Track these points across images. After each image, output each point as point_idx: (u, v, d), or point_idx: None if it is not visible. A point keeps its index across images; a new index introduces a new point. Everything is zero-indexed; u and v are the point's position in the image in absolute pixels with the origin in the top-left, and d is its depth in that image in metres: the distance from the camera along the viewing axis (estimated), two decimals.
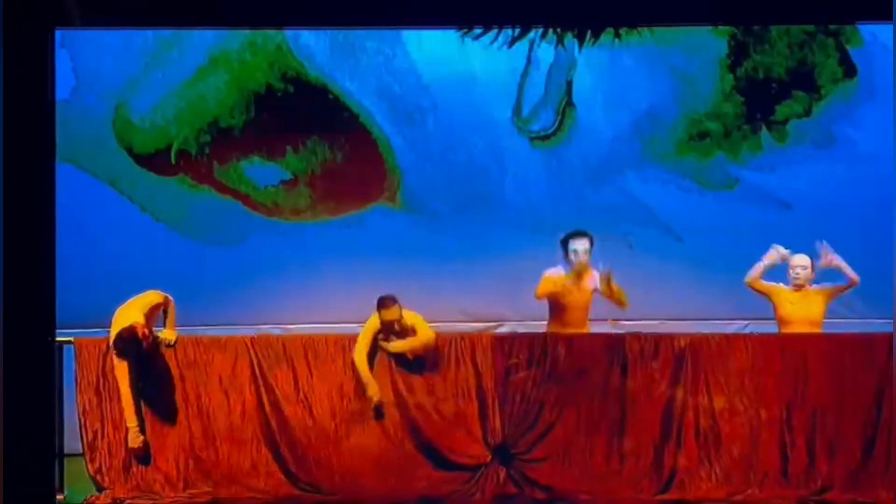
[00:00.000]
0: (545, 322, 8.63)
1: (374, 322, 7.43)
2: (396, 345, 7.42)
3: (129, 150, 9.34)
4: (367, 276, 9.18)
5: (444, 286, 8.66)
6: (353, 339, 7.51)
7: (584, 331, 7.78)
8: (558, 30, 9.28)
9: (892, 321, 7.57)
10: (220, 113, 9.35)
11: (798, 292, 7.85)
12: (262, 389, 7.43)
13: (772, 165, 9.36)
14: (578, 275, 7.81)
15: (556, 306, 7.85)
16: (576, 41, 9.34)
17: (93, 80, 9.27)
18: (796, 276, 7.84)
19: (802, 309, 7.81)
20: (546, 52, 9.36)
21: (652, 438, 7.42)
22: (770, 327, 8.90)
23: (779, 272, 7.98)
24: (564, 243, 7.89)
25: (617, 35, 9.31)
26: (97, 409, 7.41)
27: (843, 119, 9.33)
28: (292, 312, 9.16)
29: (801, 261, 7.86)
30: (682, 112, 9.35)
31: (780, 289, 7.90)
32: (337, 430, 7.41)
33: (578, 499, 7.39)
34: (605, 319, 9.06)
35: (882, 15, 7.61)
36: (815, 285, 7.90)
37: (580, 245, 7.84)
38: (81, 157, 9.26)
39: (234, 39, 9.32)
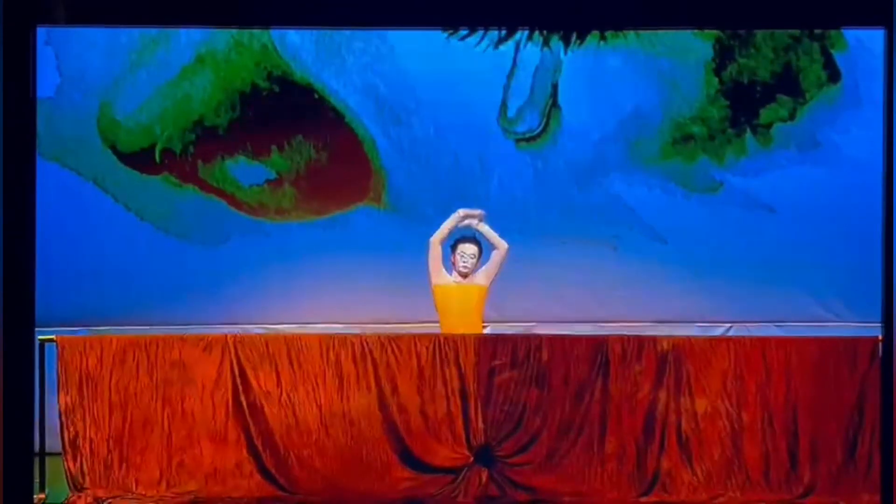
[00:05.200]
0: (530, 323, 8.65)
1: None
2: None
3: (114, 149, 9.32)
4: (351, 276, 9.19)
5: (428, 287, 8.65)
6: (337, 339, 7.51)
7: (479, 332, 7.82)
8: (544, 32, 9.29)
9: (873, 325, 7.60)
10: (206, 112, 9.34)
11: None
12: (245, 389, 7.42)
13: (756, 169, 9.38)
14: (463, 277, 7.87)
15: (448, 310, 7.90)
16: (561, 43, 9.35)
17: (78, 77, 9.25)
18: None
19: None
20: (532, 53, 9.37)
21: (635, 440, 7.42)
22: (754, 330, 8.94)
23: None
24: (453, 248, 7.93)
25: (602, 38, 9.33)
26: (79, 407, 7.38)
27: (827, 123, 9.36)
28: (276, 312, 9.16)
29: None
30: (667, 115, 9.37)
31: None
32: (319, 431, 7.40)
33: (561, 500, 7.38)
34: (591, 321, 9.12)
35: (870, 21, 7.61)
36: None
37: (468, 249, 7.88)
38: (66, 155, 9.24)
39: (219, 39, 9.31)
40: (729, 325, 9.26)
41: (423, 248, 8.82)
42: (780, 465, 7.42)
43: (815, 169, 9.37)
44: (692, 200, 9.41)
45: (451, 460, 7.42)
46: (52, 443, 7.42)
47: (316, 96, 9.38)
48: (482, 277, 7.90)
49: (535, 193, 9.42)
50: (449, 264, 7.95)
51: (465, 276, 7.86)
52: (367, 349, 7.44)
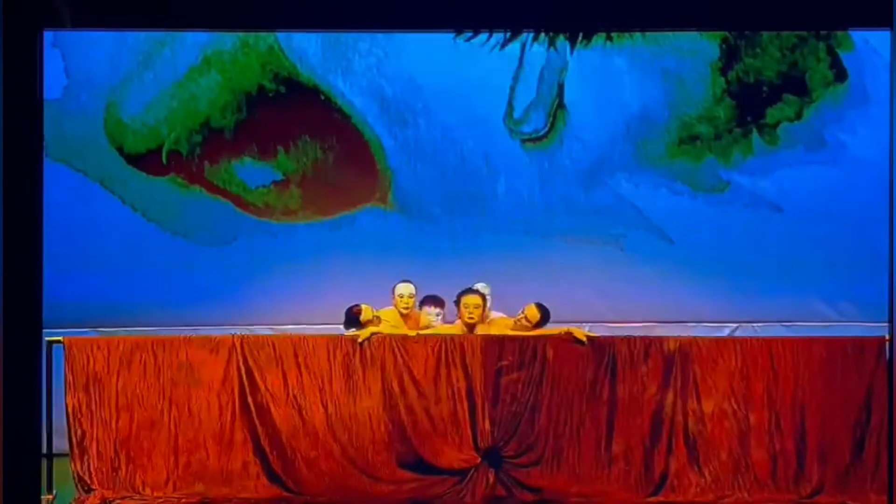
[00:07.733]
0: None
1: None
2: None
3: (121, 150, 9.33)
4: (357, 276, 9.18)
5: (434, 287, 8.65)
6: (344, 340, 7.52)
7: None
8: (550, 32, 9.28)
9: (880, 325, 7.59)
10: (212, 113, 9.35)
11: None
12: (252, 390, 7.42)
13: (763, 169, 9.38)
14: (470, 329, 7.72)
15: None
16: (567, 44, 9.35)
17: (84, 79, 9.26)
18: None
19: None
20: (538, 54, 9.36)
21: (642, 441, 7.42)
22: (760, 330, 8.93)
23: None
24: (458, 301, 7.79)
25: (609, 38, 9.32)
26: (86, 408, 7.39)
27: (833, 123, 9.34)
28: (283, 313, 9.16)
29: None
30: (674, 115, 9.36)
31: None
32: (326, 432, 7.40)
33: (568, 501, 7.39)
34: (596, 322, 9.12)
35: (875, 22, 7.60)
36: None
37: (472, 300, 7.72)
38: (73, 156, 9.26)
39: (226, 40, 9.32)
40: (736, 325, 9.25)
41: (430, 247, 8.86)
42: (788, 466, 7.42)
43: (821, 168, 9.36)
44: (699, 200, 9.40)
45: (458, 461, 7.42)
46: (61, 443, 7.43)
47: (322, 97, 9.39)
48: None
49: (542, 194, 9.42)
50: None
51: (471, 327, 7.72)
52: (374, 350, 7.45)
